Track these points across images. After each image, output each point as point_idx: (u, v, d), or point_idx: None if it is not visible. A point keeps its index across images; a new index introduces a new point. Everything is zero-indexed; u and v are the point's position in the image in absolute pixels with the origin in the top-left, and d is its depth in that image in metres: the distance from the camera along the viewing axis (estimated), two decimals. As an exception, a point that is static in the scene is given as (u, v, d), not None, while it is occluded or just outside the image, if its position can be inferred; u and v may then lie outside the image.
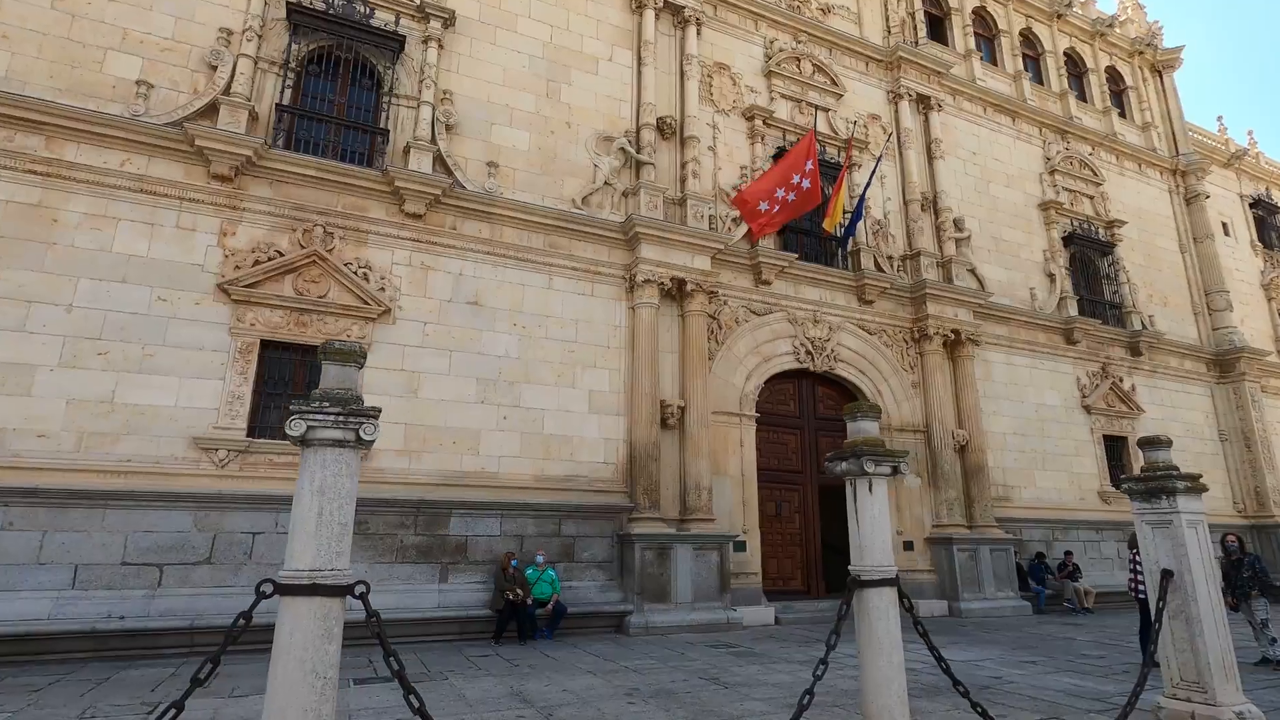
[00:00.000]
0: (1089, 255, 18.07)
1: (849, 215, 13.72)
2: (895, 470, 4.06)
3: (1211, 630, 4.97)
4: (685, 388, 11.56)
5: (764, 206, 12.20)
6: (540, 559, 9.67)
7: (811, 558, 12.69)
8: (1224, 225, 21.55)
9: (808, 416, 13.32)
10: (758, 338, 12.75)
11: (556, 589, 9.62)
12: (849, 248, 14.10)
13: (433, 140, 10.81)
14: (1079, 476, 15.67)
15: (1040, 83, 19.34)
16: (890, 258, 14.64)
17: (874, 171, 13.82)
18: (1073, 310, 16.61)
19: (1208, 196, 20.47)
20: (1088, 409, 16.24)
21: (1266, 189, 23.03)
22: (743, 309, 12.74)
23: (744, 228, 12.97)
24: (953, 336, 14.28)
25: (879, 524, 3.95)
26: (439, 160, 10.83)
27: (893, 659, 3.78)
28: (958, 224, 15.57)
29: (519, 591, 9.13)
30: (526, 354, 10.81)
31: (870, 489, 3.99)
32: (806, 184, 11.85)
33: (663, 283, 11.61)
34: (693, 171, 12.65)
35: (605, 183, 12.09)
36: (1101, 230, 18.27)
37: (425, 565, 9.44)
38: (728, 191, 13.22)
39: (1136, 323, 17.55)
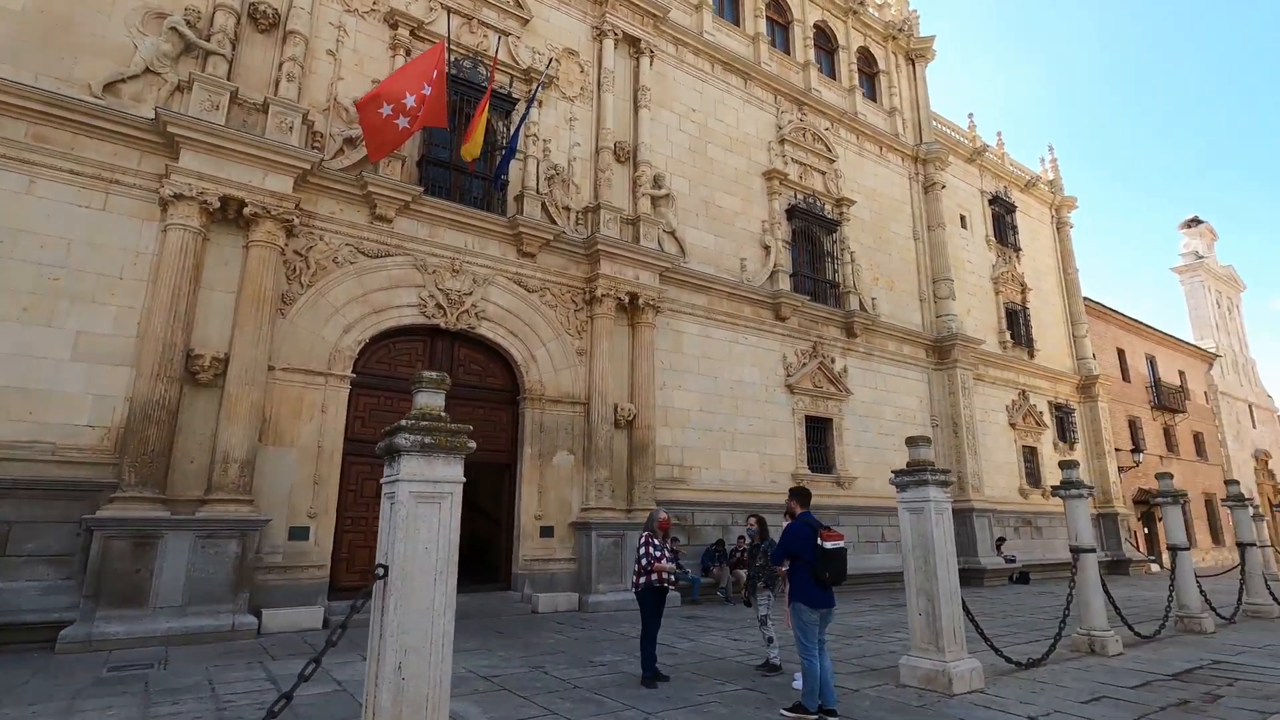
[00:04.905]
0: (813, 231, 17.46)
1: (505, 151, 11.89)
2: None
3: (410, 654, 3.30)
4: (234, 336, 9.21)
5: (387, 111, 10.03)
6: (-78, 553, 7.00)
7: (423, 546, 10.73)
8: (962, 218, 21.99)
9: (438, 382, 11.34)
10: (367, 284, 10.58)
11: (-59, 594, 7.00)
12: (499, 187, 12.21)
13: None
14: (773, 458, 14.86)
15: (787, 52, 18.57)
16: (568, 209, 12.96)
17: (531, 102, 12.02)
18: (785, 285, 15.81)
19: (943, 186, 20.66)
20: (791, 388, 15.50)
21: (1006, 188, 23.87)
22: (348, 248, 10.51)
23: (359, 152, 10.77)
24: (628, 300, 12.86)
25: None
26: None
27: None
28: (658, 180, 14.20)
29: None
30: (-28, 277, 8.01)
31: None
32: (411, 100, 9.85)
33: (207, 201, 9.15)
34: (289, 74, 10.25)
35: (149, 70, 9.42)
36: (829, 207, 17.73)
37: None
38: (347, 107, 10.95)
39: (853, 303, 17.12)
